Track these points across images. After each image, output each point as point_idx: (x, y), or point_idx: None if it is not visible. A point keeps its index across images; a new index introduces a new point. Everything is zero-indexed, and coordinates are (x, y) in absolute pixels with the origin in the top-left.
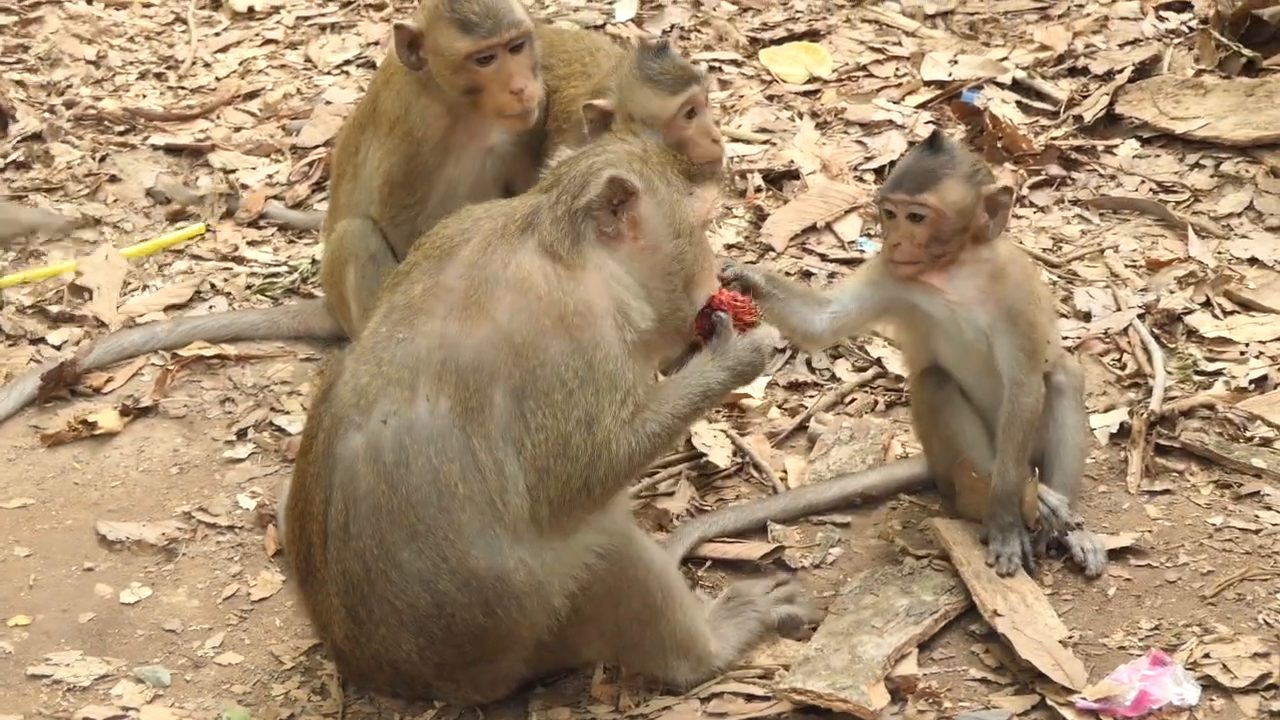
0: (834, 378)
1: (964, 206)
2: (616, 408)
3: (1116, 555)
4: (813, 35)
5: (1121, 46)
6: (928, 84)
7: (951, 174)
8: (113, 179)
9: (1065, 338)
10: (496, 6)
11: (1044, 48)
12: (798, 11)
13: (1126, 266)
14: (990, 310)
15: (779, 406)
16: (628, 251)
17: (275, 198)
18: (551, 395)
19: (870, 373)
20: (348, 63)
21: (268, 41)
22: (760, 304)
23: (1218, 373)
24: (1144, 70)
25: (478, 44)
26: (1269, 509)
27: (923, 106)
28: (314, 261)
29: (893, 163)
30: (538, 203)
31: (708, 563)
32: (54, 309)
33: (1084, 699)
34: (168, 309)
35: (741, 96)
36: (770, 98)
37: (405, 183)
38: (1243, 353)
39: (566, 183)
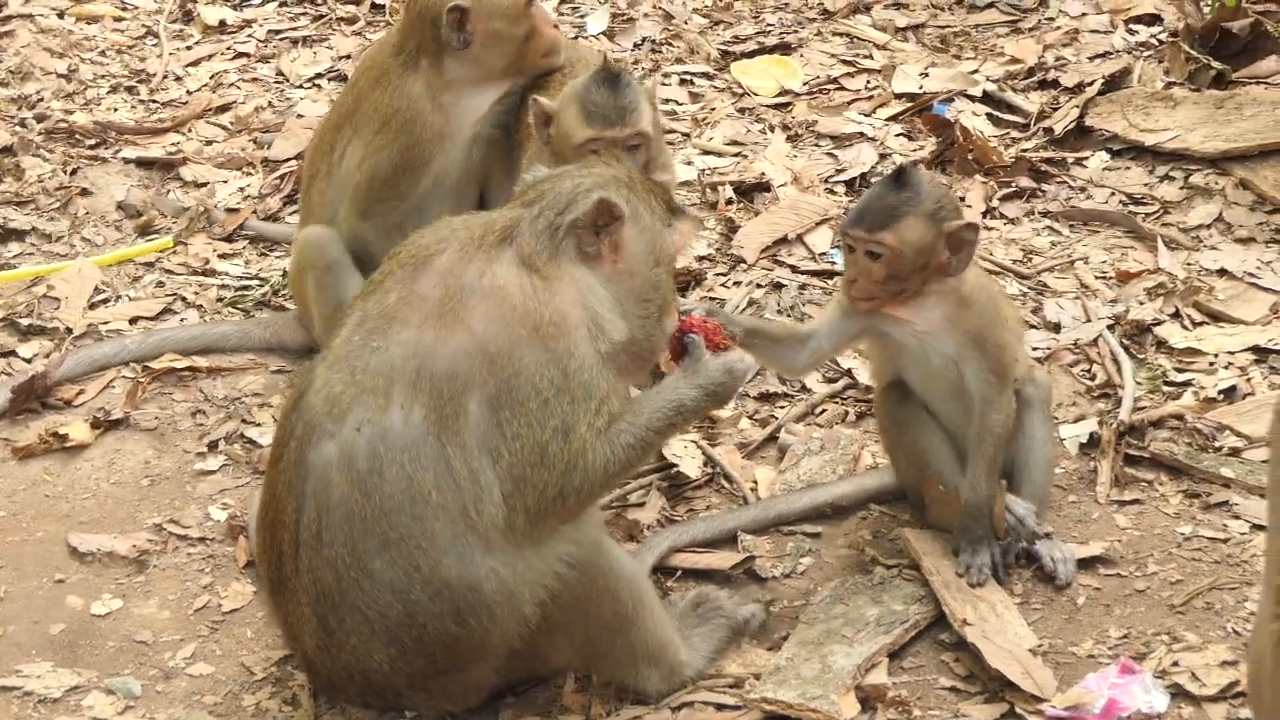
0: (804, 388)
1: (923, 245)
2: (591, 417)
3: (1086, 564)
4: (784, 48)
5: (1091, 59)
6: (899, 97)
7: (911, 212)
8: (84, 192)
9: (1035, 349)
10: None
11: (1014, 60)
12: (769, 25)
13: (1096, 278)
14: (957, 338)
15: (749, 417)
16: (606, 274)
17: (271, 219)
18: (527, 404)
19: (841, 384)
20: (319, 76)
21: (239, 55)
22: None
23: (1187, 383)
24: (1114, 83)
25: None
26: (1237, 518)
27: (894, 119)
28: (285, 274)
29: (864, 175)
30: (518, 215)
31: (678, 573)
32: (24, 322)
33: (1053, 707)
34: (134, 320)
35: (713, 109)
36: (741, 110)
37: (392, 178)
38: (1212, 363)
39: (551, 199)
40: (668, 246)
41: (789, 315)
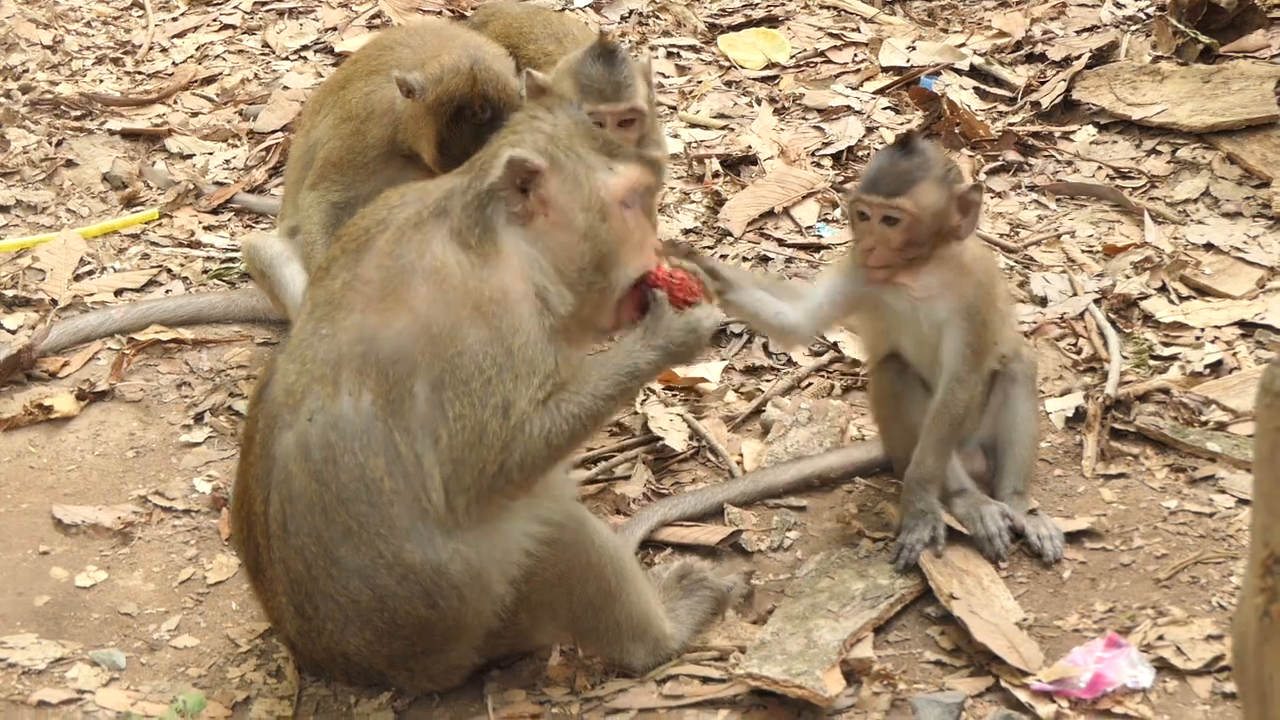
0: (790, 362)
1: (939, 209)
2: (533, 391)
3: (1071, 538)
4: (771, 21)
5: (1079, 33)
6: (886, 70)
7: (926, 177)
8: (69, 164)
9: (1021, 322)
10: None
11: (1002, 34)
12: None
13: (1083, 252)
14: (950, 304)
15: (735, 391)
16: (540, 230)
17: (256, 191)
18: (470, 384)
19: (826, 357)
20: (305, 48)
21: (225, 27)
22: (725, 295)
23: (1173, 357)
24: (1101, 56)
25: None
26: (1223, 493)
27: (880, 92)
28: None
29: (850, 149)
30: (451, 187)
31: (667, 548)
32: (9, 293)
33: (1039, 681)
34: (120, 292)
35: (700, 82)
36: (728, 83)
37: (339, 169)
38: (1198, 338)
39: (476, 168)
40: (599, 192)
41: None
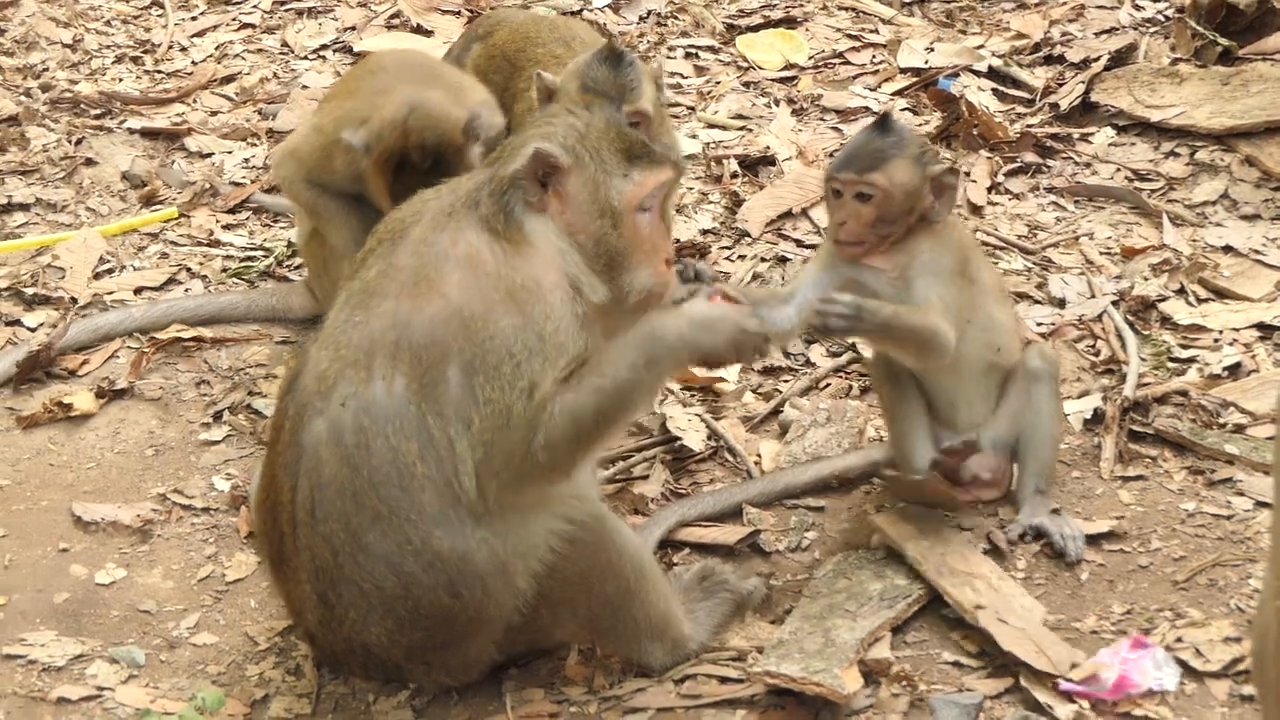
0: (808, 363)
1: (911, 187)
2: (558, 372)
3: (1090, 540)
4: (789, 22)
5: (1098, 35)
6: (904, 71)
7: (900, 155)
8: (89, 162)
9: (1039, 324)
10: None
11: (1020, 35)
12: None
13: (1101, 254)
14: (921, 268)
15: (753, 391)
16: (562, 224)
17: (274, 190)
18: (500, 368)
19: (845, 358)
20: (324, 47)
21: (244, 26)
22: None
23: (1191, 360)
24: (1120, 58)
25: None
26: (1241, 495)
27: (899, 94)
28: (289, 245)
29: None
30: (482, 179)
31: (685, 548)
32: (29, 291)
33: (1066, 680)
34: (139, 290)
35: (718, 83)
36: (747, 84)
37: (306, 166)
38: (1216, 340)
39: (502, 159)
40: (613, 198)
41: None
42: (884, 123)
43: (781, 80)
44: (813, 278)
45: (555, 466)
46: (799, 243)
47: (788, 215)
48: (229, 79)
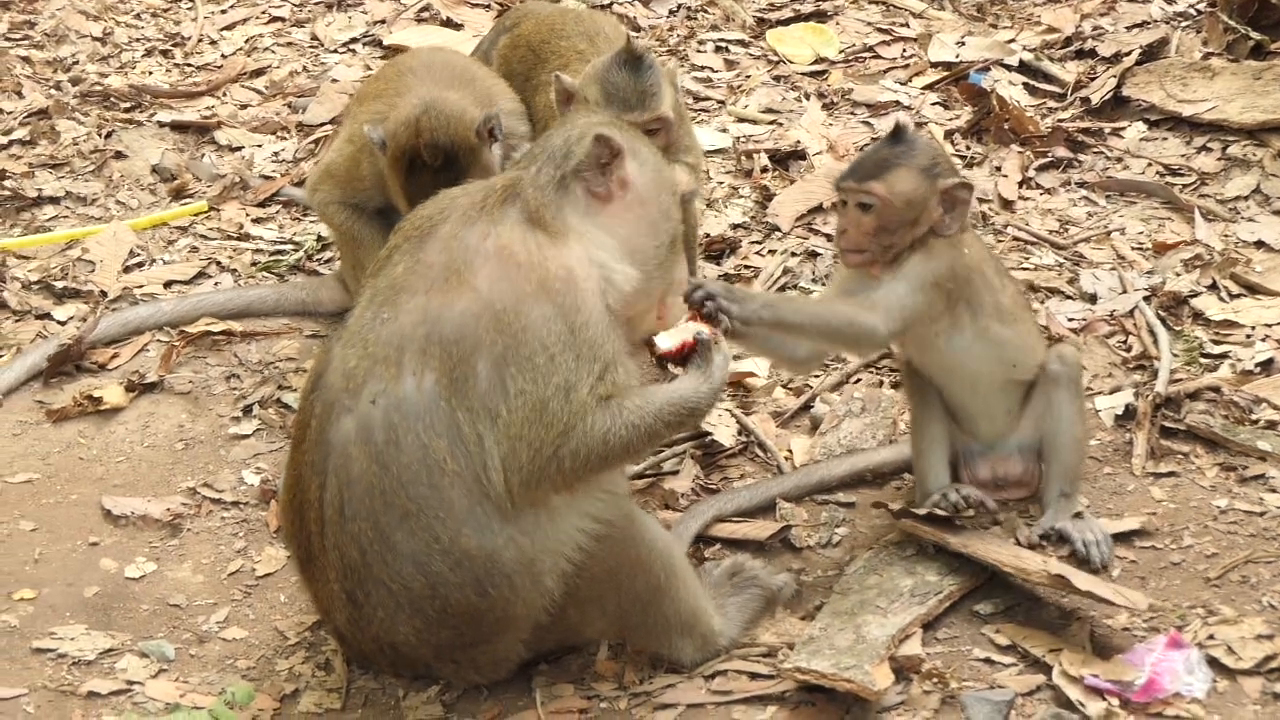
0: (839, 357)
1: (914, 198)
2: (594, 380)
3: (1121, 537)
4: (820, 16)
5: (1129, 29)
6: (935, 65)
7: (904, 165)
8: (118, 156)
9: (1070, 319)
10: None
11: (1051, 30)
12: None
13: (1133, 249)
14: (896, 274)
15: (784, 386)
16: (614, 211)
17: (300, 184)
18: (534, 360)
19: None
20: (354, 41)
21: (274, 19)
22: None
23: (1223, 355)
24: (1151, 53)
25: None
26: (1274, 491)
27: (930, 88)
28: (319, 238)
29: None
30: (517, 176)
31: (716, 544)
32: (59, 284)
33: (1094, 676)
34: (169, 284)
35: (748, 77)
36: (777, 78)
37: (338, 181)
38: (1249, 336)
39: (549, 153)
40: (673, 177)
41: (823, 284)
42: (896, 132)
43: (812, 74)
44: (832, 293)
45: (571, 477)
46: (829, 237)
47: (818, 210)
48: (259, 72)
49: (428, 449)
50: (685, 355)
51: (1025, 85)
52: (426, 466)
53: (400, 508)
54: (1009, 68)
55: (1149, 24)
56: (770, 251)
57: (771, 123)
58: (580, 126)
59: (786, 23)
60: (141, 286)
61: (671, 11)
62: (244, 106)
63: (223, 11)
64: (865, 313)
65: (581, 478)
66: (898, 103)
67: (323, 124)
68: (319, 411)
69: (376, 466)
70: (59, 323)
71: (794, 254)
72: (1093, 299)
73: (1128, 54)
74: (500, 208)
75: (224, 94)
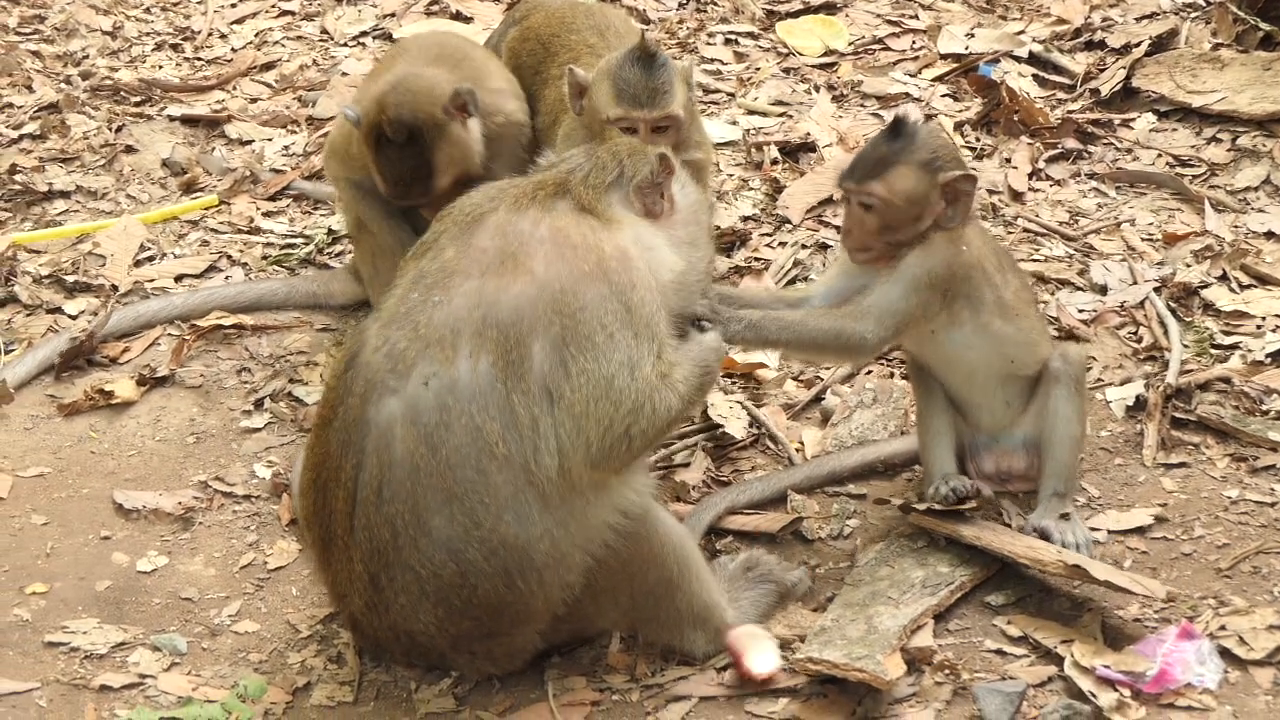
0: None
1: (915, 195)
2: (654, 358)
3: (1132, 528)
4: (829, 8)
5: (1139, 20)
6: (944, 57)
7: (903, 162)
8: (129, 149)
9: (1081, 310)
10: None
11: (1061, 21)
12: None
13: (1143, 240)
14: (892, 272)
15: (794, 379)
16: (661, 225)
17: (314, 177)
18: (593, 338)
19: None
20: (364, 34)
21: (284, 13)
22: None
23: (1234, 346)
24: (1161, 44)
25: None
26: None
27: (939, 80)
28: (330, 232)
29: None
30: (566, 175)
31: (728, 535)
32: (70, 279)
33: (1106, 666)
34: (180, 278)
35: (758, 69)
36: (787, 70)
37: (339, 157)
38: (1259, 326)
39: (598, 163)
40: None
41: None
42: (895, 126)
43: (822, 66)
44: (828, 284)
45: (635, 453)
46: (839, 229)
47: (828, 202)
48: (269, 66)
49: (480, 431)
50: None
51: (1035, 77)
52: (477, 450)
53: (444, 490)
54: (1018, 59)
55: (1158, 15)
56: (780, 244)
57: (781, 115)
58: (631, 144)
59: (796, 15)
60: (152, 280)
61: (681, 4)
62: (254, 100)
63: (233, 5)
64: (853, 323)
65: (641, 453)
66: (907, 95)
67: (332, 117)
68: (359, 390)
69: (425, 448)
70: (70, 317)
71: (804, 246)
72: (1103, 290)
73: (1137, 45)
74: (552, 199)
75: (234, 88)
